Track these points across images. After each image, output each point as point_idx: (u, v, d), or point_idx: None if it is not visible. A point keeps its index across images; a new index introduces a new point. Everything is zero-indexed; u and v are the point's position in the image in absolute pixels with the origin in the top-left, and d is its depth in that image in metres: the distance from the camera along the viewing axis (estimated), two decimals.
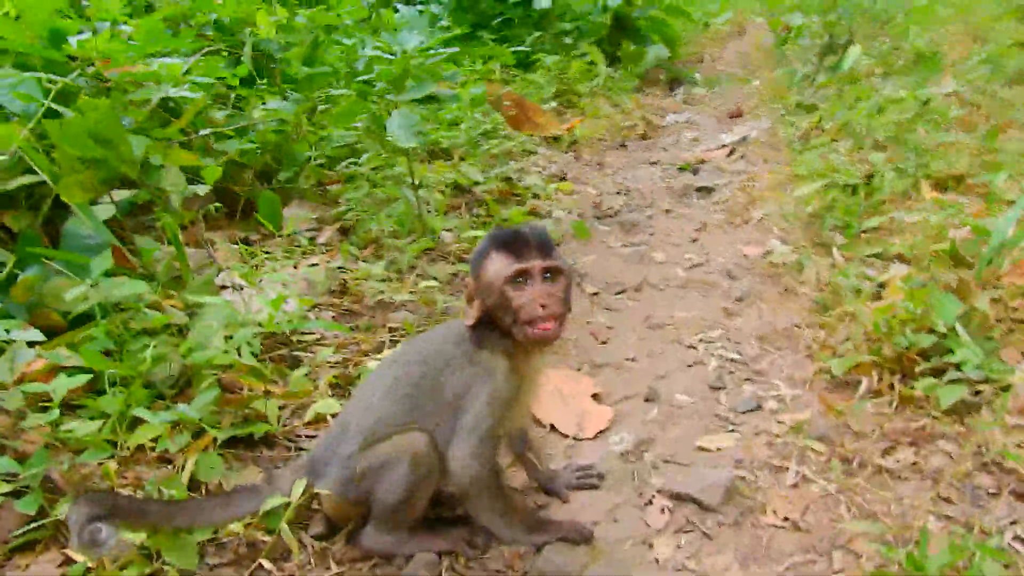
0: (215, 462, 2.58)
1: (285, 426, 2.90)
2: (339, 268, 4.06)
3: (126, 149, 3.24)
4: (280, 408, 2.97)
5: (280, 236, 4.51)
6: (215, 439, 2.66)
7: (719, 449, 2.73)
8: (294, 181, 5.03)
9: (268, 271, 3.98)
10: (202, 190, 3.47)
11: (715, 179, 5.83)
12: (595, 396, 3.12)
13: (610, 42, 9.50)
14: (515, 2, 9.46)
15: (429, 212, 4.60)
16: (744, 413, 2.94)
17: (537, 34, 9.13)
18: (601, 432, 2.89)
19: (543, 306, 2.09)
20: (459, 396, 2.23)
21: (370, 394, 2.30)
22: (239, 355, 2.90)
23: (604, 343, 3.59)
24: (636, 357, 3.43)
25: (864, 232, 4.11)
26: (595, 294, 4.07)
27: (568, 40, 9.17)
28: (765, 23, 14.09)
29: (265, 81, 5.48)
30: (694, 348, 3.47)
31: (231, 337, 2.95)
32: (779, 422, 2.84)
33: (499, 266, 2.13)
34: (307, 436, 2.86)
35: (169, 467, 2.58)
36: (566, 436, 2.89)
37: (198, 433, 2.68)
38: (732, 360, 3.33)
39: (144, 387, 2.79)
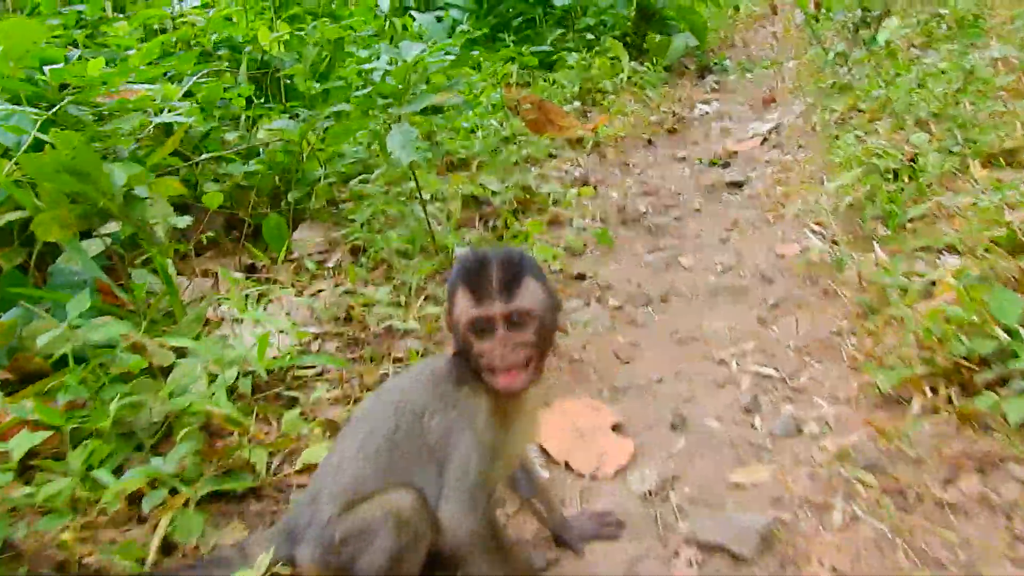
0: (194, 520, 2.36)
1: (276, 474, 2.67)
2: (346, 293, 3.82)
3: (104, 182, 3.04)
4: (272, 454, 2.74)
5: (288, 261, 4.30)
6: (196, 493, 2.44)
7: (754, 484, 2.43)
8: (304, 202, 4.82)
9: (269, 301, 3.76)
10: (183, 222, 3.25)
11: (747, 171, 5.49)
12: (615, 427, 2.83)
13: (636, 34, 9.17)
14: (536, 1, 9.18)
15: (440, 228, 4.34)
16: (782, 438, 2.63)
17: (559, 32, 8.83)
18: (621, 469, 2.60)
19: (502, 356, 1.84)
20: (442, 445, 1.97)
21: (343, 450, 2.05)
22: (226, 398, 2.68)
23: (627, 363, 3.30)
24: (662, 378, 3.14)
25: (910, 222, 3.75)
26: (618, 308, 3.78)
27: (591, 36, 8.85)
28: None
29: (276, 102, 5.28)
30: (725, 364, 3.16)
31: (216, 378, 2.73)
32: (821, 448, 2.52)
33: (461, 307, 1.88)
34: (299, 485, 2.62)
35: (144, 527, 2.36)
36: (582, 475, 2.61)
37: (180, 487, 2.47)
38: (767, 377, 3.01)
39: (123, 437, 2.59)
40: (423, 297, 3.71)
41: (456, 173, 5.18)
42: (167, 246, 3.18)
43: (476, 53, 7.46)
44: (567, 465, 2.66)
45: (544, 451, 2.70)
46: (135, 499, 2.40)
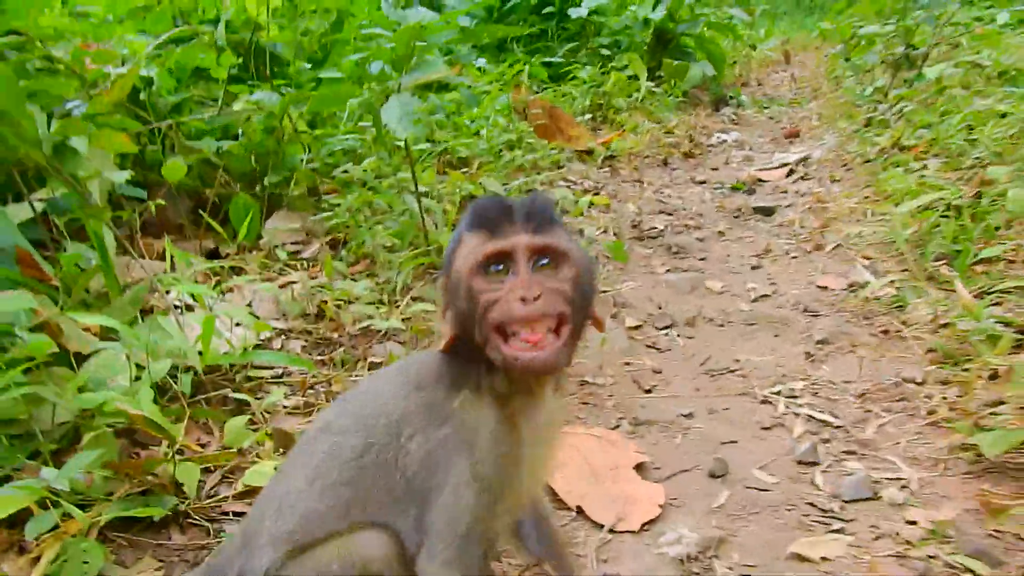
0: (91, 554, 1.77)
1: (210, 498, 2.08)
2: (319, 288, 3.26)
3: (28, 126, 2.46)
4: (207, 471, 2.16)
5: (258, 250, 3.74)
6: (99, 518, 1.85)
7: (824, 559, 1.87)
8: (282, 188, 4.26)
9: (229, 290, 3.19)
10: (120, 177, 2.67)
11: (776, 200, 4.99)
12: (639, 468, 2.27)
13: (651, 58, 8.73)
14: (548, 12, 8.74)
15: (435, 227, 3.79)
16: (854, 503, 2.08)
17: (572, 45, 8.38)
18: (650, 522, 2.04)
19: (523, 300, 1.25)
20: (423, 475, 1.41)
21: (293, 476, 1.48)
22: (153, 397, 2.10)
23: (648, 392, 2.75)
24: (692, 412, 2.59)
25: (977, 263, 3.24)
26: (636, 328, 3.23)
27: (606, 52, 8.40)
28: (810, 56, 13.37)
29: (262, 80, 4.73)
30: (770, 403, 2.62)
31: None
32: (909, 522, 1.97)
33: (469, 248, 1.32)
34: (238, 514, 2.04)
35: (22, 558, 1.77)
36: (599, 526, 2.04)
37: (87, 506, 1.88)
38: (824, 423, 2.47)
39: (17, 440, 2.01)
40: (410, 296, 3.15)
41: (455, 171, 4.65)
42: (101, 209, 2.59)
43: (481, 63, 7.00)
44: (579, 512, 2.10)
45: (551, 491, 2.14)
46: (18, 522, 1.81)
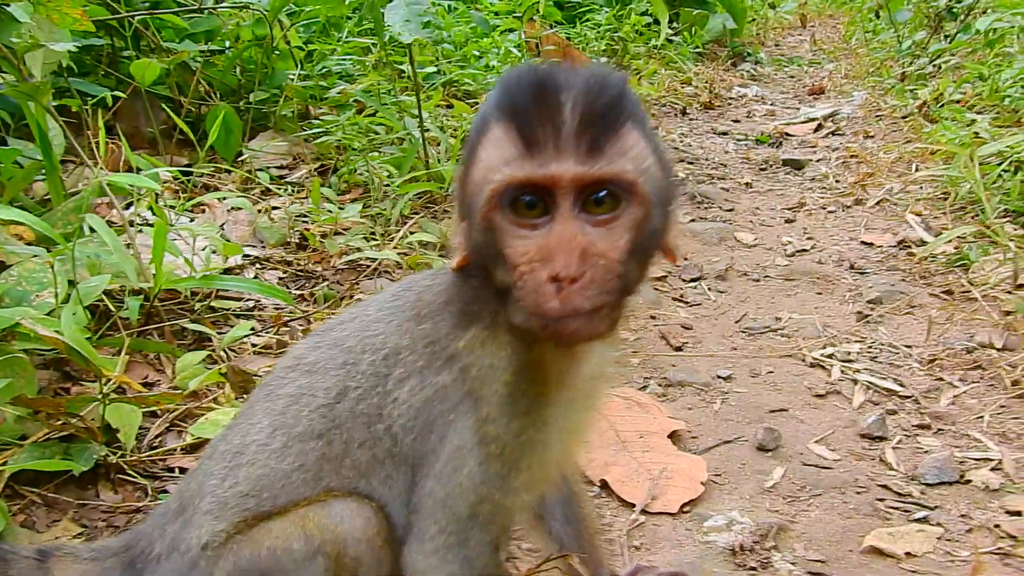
0: None
1: (152, 449, 1.70)
2: (304, 216, 2.86)
3: None
4: (151, 416, 1.77)
5: (238, 171, 3.32)
6: (8, 469, 1.47)
7: (909, 556, 1.51)
8: (270, 106, 3.83)
9: (202, 210, 2.79)
10: (62, 46, 2.23)
11: (805, 154, 4.59)
12: (673, 436, 1.90)
13: (670, 7, 8.25)
14: None
15: (439, 159, 3.37)
16: (935, 487, 1.72)
17: None
18: (690, 504, 1.67)
19: (558, 280, 0.87)
20: (417, 432, 1.05)
21: (248, 428, 1.10)
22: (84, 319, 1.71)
23: (678, 350, 2.37)
24: (732, 375, 2.21)
25: None
26: (661, 279, 2.85)
27: None
28: (827, 22, 12.91)
29: None
30: (822, 367, 2.25)
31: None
32: (1009, 512, 1.61)
33: (495, 157, 0.91)
34: (184, 470, 1.66)
35: None
36: (629, 504, 1.67)
37: None
38: (889, 392, 2.10)
39: None
40: (406, 228, 2.75)
41: (461, 103, 4.22)
42: (38, 86, 2.16)
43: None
44: (604, 487, 1.73)
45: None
46: None
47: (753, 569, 1.48)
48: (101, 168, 2.15)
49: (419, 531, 1.03)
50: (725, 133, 5.23)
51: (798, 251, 3.14)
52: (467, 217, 0.97)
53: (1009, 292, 2.46)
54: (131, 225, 2.32)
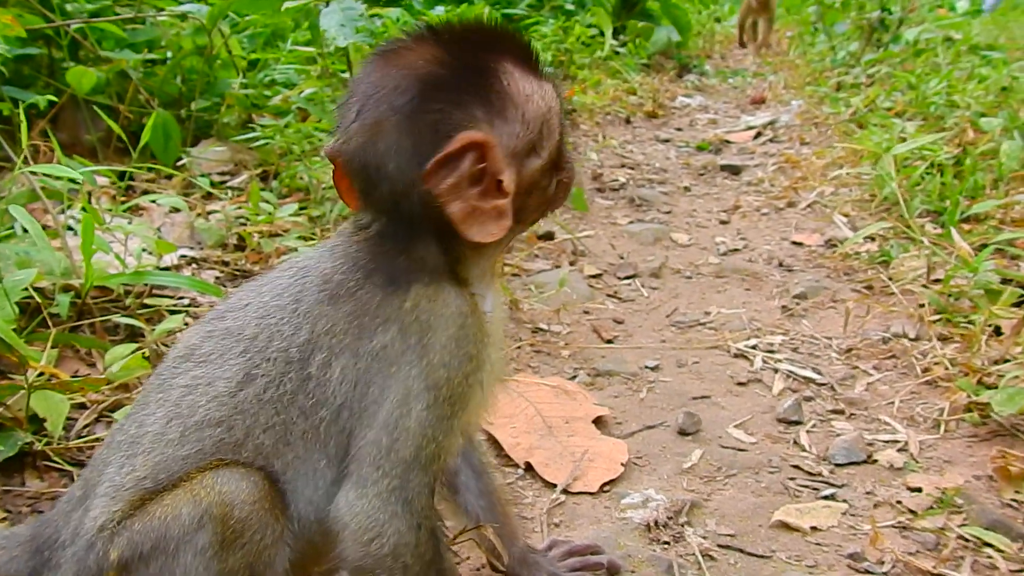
0: None
1: (80, 437, 1.72)
2: (244, 219, 2.88)
3: None
4: (78, 407, 1.79)
5: (178, 174, 3.32)
6: None
7: (815, 530, 1.58)
8: (211, 115, 3.84)
9: (139, 213, 2.80)
10: None
11: (743, 160, 4.72)
12: (598, 422, 1.96)
13: (616, 20, 8.39)
14: None
15: None
16: (846, 467, 1.80)
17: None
18: (610, 483, 1.73)
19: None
20: (355, 401, 1.07)
21: (143, 420, 1.12)
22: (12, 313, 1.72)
23: (609, 342, 2.44)
24: (658, 364, 2.29)
25: (964, 221, 2.98)
26: (596, 276, 2.92)
27: (570, 7, 8.04)
28: (772, 37, 13.21)
29: None
30: (745, 358, 2.33)
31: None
32: (911, 489, 1.69)
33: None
34: None
35: None
36: (551, 485, 1.72)
37: None
38: (807, 380, 2.18)
39: None
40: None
41: None
42: None
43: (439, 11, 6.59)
44: (528, 468, 1.78)
45: (495, 444, 1.82)
46: None
47: (666, 543, 1.54)
48: (29, 168, 2.14)
49: (360, 478, 1.05)
50: (667, 140, 5.35)
51: (730, 250, 3.24)
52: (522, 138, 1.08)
53: (924, 286, 2.57)
54: (68, 229, 2.33)
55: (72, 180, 2.12)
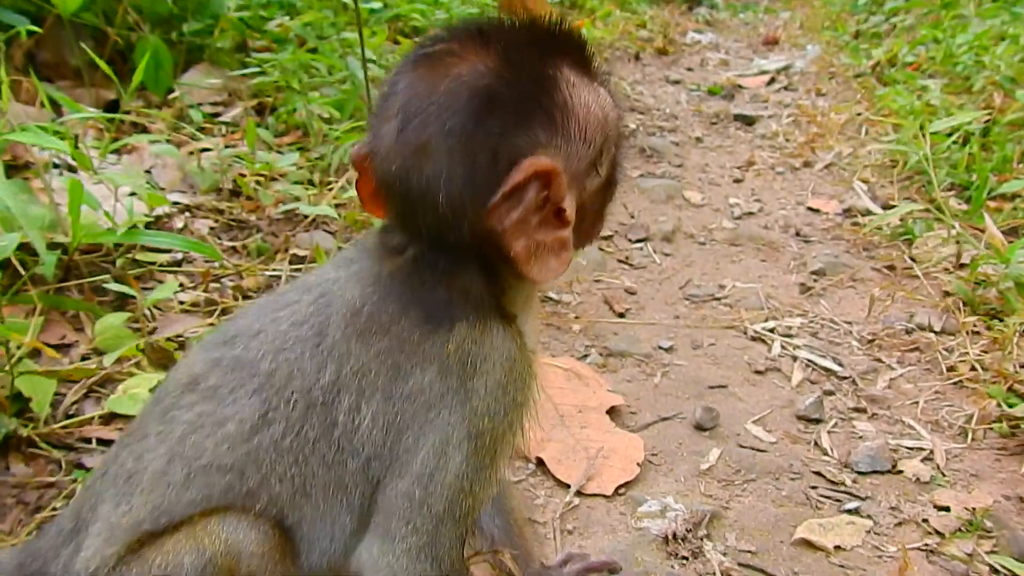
0: None
1: (69, 418, 1.62)
2: (238, 159, 2.73)
3: None
4: (65, 383, 1.68)
5: (168, 107, 3.15)
6: None
7: (839, 550, 1.52)
8: (204, 38, 3.63)
9: (128, 151, 2.64)
10: None
11: (756, 109, 4.55)
12: (611, 411, 1.88)
13: None
14: None
15: None
16: (869, 476, 1.73)
17: None
18: (624, 486, 1.66)
19: None
20: (388, 449, 0.97)
21: (144, 454, 1.00)
22: None
23: (621, 316, 2.34)
24: (673, 346, 2.20)
25: (991, 199, 2.87)
26: (607, 238, 2.81)
27: None
28: None
29: None
30: (763, 341, 2.24)
31: None
32: (939, 507, 1.63)
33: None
34: (103, 441, 1.58)
35: None
36: (564, 484, 1.65)
37: None
38: (827, 372, 2.10)
39: None
40: (345, 178, 2.64)
41: (408, 41, 4.06)
42: None
43: None
44: (540, 464, 1.70)
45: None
46: None
47: (685, 558, 1.47)
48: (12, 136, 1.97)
49: (387, 532, 0.95)
50: (678, 82, 5.16)
51: (745, 213, 3.12)
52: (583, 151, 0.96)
53: (949, 271, 2.48)
54: (53, 167, 2.18)
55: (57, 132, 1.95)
